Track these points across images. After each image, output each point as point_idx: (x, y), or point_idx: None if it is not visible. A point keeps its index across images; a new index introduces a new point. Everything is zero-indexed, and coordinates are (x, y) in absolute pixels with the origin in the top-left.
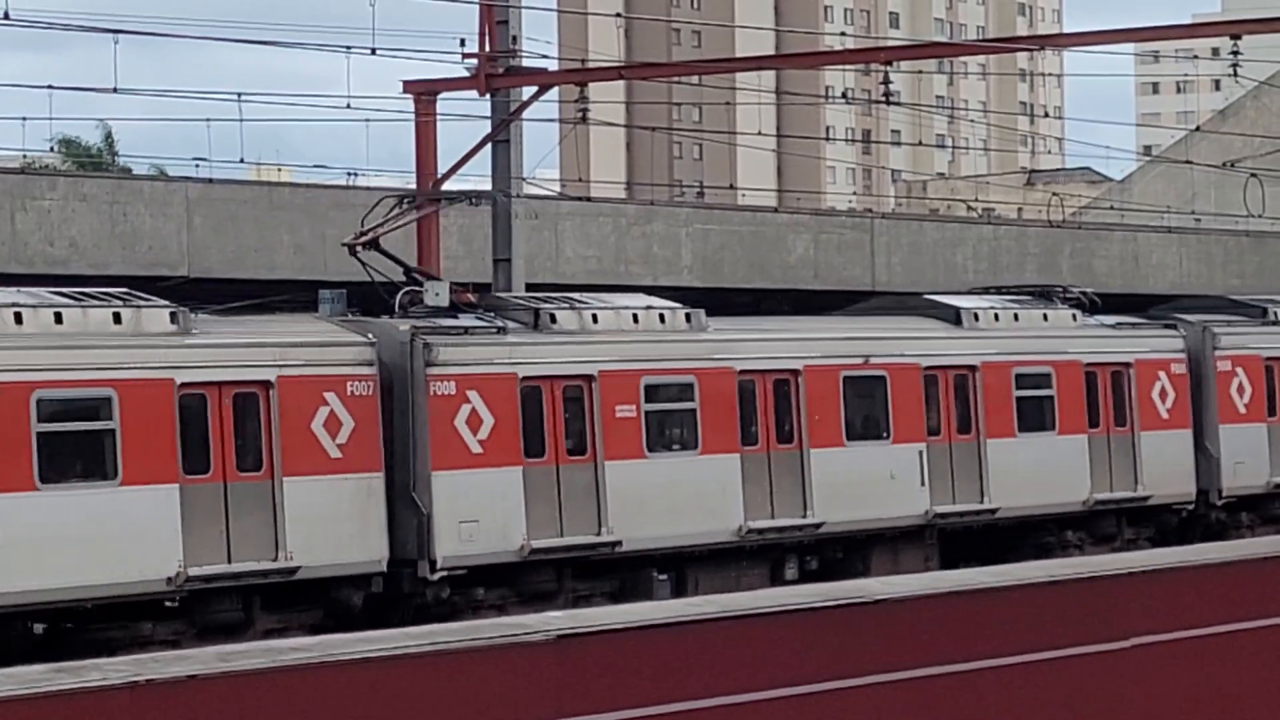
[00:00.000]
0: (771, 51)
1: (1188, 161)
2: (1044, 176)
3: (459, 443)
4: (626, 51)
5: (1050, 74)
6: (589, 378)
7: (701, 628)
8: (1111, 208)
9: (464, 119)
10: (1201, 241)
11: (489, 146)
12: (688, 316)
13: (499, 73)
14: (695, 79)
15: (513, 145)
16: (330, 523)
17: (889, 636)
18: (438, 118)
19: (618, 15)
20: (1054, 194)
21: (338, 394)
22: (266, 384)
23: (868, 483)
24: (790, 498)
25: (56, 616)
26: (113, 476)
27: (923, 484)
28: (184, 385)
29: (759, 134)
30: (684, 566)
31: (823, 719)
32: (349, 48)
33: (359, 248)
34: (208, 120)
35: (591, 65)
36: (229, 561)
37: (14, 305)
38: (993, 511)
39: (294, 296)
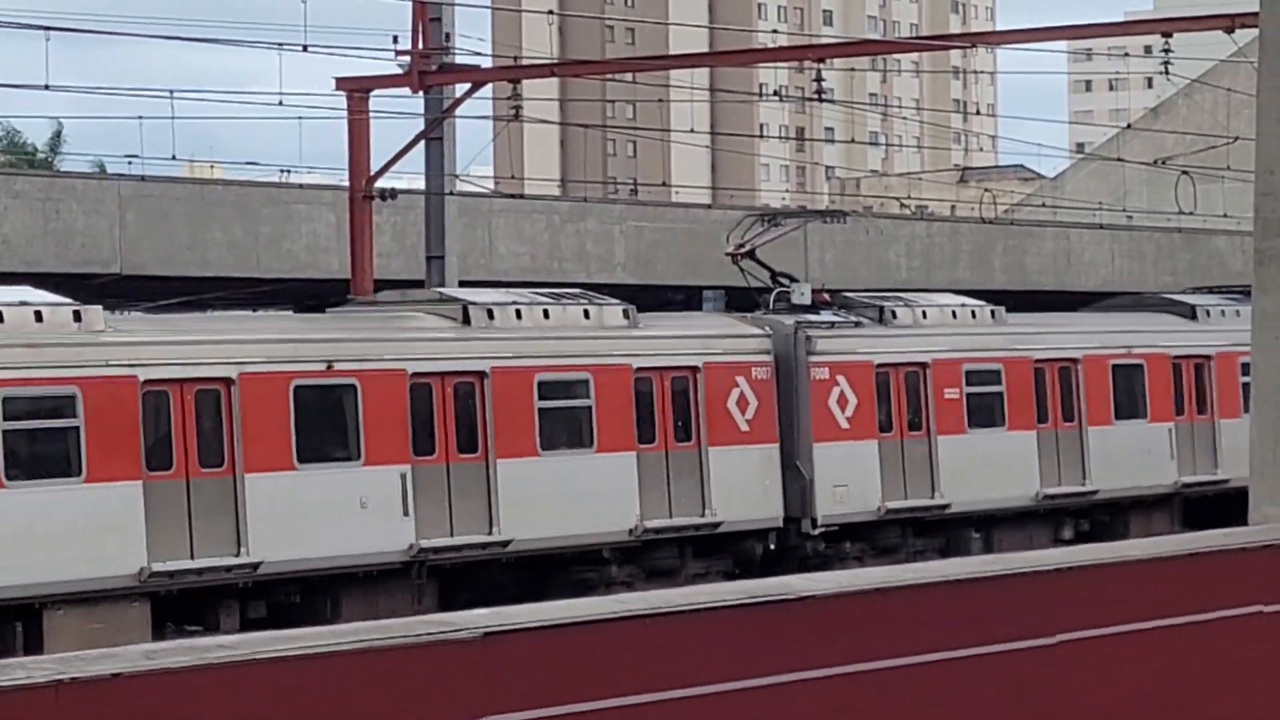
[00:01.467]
0: (705, 49)
1: (1120, 159)
2: (977, 174)
3: (832, 419)
4: (560, 49)
5: (983, 71)
6: (924, 365)
7: (628, 625)
8: (1044, 205)
9: (397, 116)
10: (1133, 239)
11: (422, 143)
12: (992, 313)
13: (432, 70)
14: (629, 76)
15: (446, 142)
16: (742, 485)
17: (815, 634)
18: (371, 115)
19: (550, 13)
20: (987, 191)
21: (745, 378)
22: (694, 369)
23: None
24: (1070, 469)
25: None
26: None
27: (1171, 457)
28: (638, 370)
29: (693, 131)
30: (991, 527)
31: (749, 716)
32: (281, 45)
33: (738, 257)
34: (140, 118)
35: (525, 62)
36: (670, 516)
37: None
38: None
39: (229, 293)
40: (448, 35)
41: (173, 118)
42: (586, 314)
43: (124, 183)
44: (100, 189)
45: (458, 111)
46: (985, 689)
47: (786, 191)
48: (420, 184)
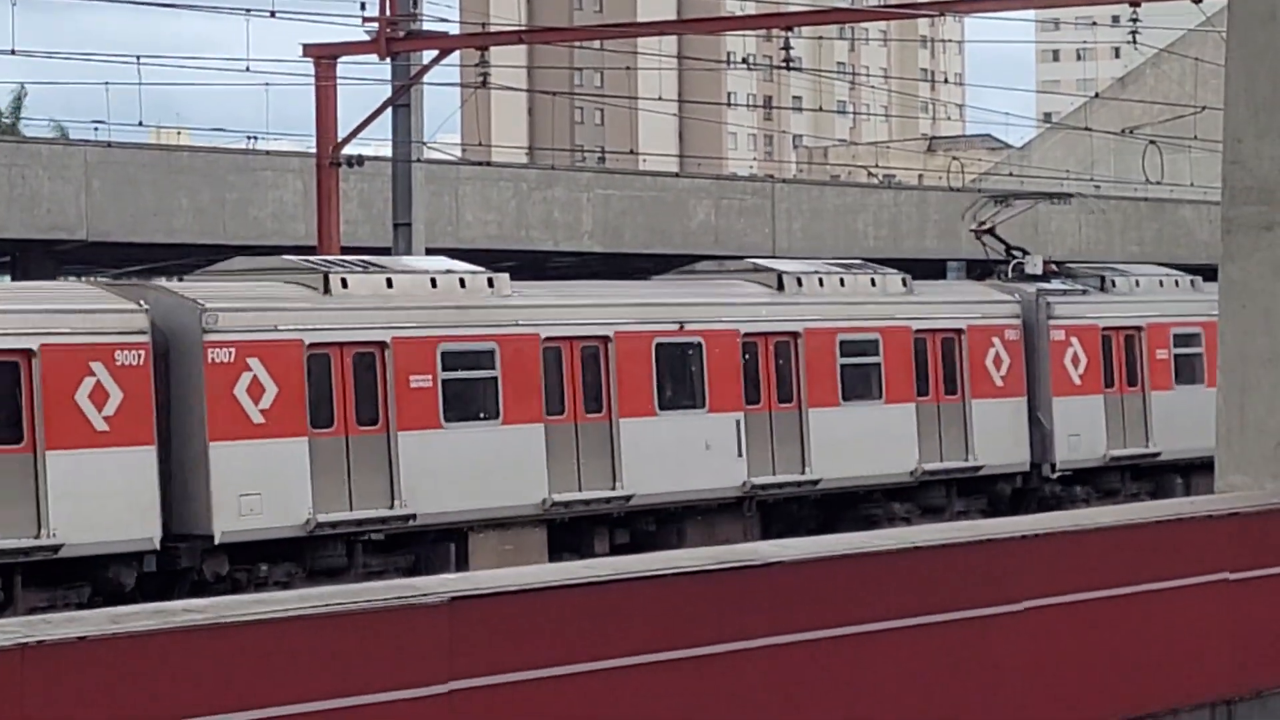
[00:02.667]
0: (673, 16)
1: (1087, 129)
2: (944, 143)
3: (1066, 376)
4: (528, 16)
5: (951, 40)
6: (1139, 328)
7: (594, 590)
8: (1011, 174)
9: (364, 83)
10: (1101, 207)
11: (389, 110)
12: (1191, 282)
13: (399, 36)
14: (597, 44)
15: (413, 109)
16: (997, 434)
17: (781, 599)
18: (338, 81)
19: None
20: (954, 160)
21: (1000, 339)
22: (960, 331)
23: None
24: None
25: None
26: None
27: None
28: (916, 332)
29: (660, 99)
30: (1191, 473)
31: (715, 681)
32: (249, 11)
33: (980, 233)
34: (106, 84)
35: (492, 29)
36: (940, 460)
37: None
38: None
39: (196, 260)
40: (415, 2)
41: (139, 84)
42: (873, 282)
43: (90, 149)
44: (66, 155)
45: (425, 79)
46: (953, 654)
47: (755, 160)
48: (387, 151)
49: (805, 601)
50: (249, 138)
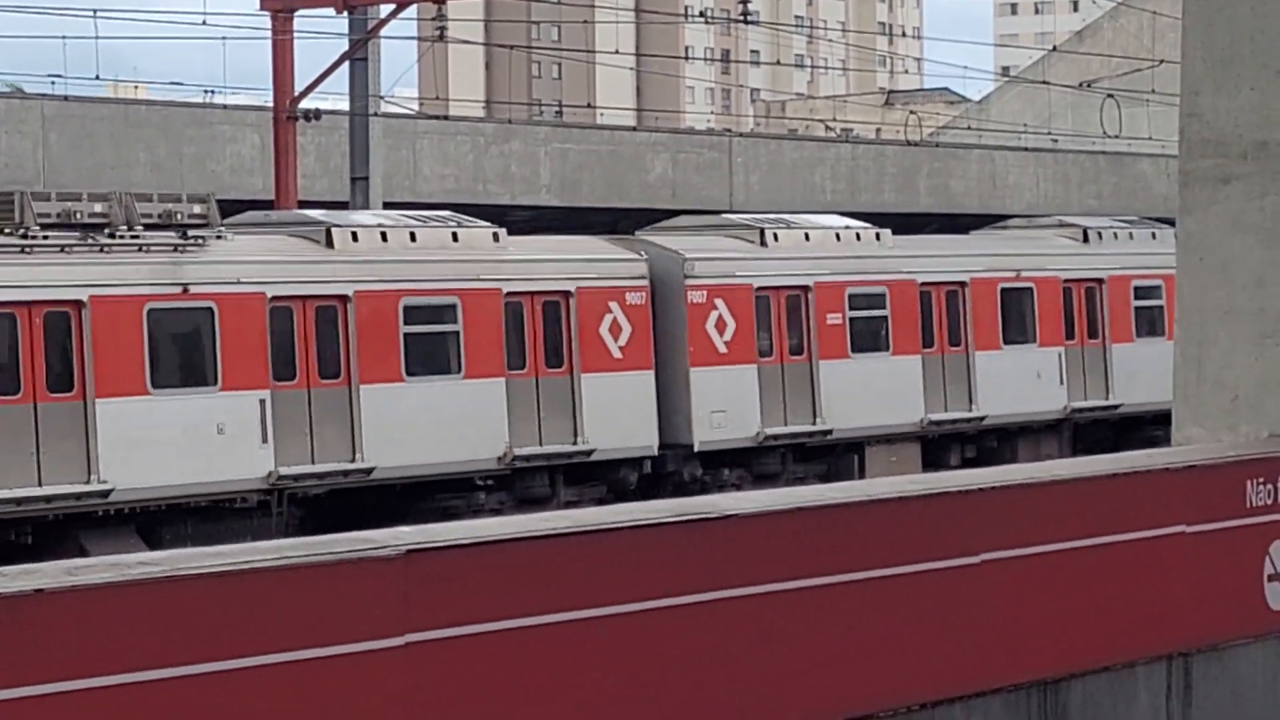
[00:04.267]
0: None
1: (1045, 82)
2: (902, 97)
3: None
4: None
5: None
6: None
7: (552, 543)
8: (969, 128)
9: (321, 37)
10: (1059, 161)
11: (346, 64)
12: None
13: None
14: None
15: (370, 63)
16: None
17: (739, 552)
18: (295, 35)
19: None
20: (912, 114)
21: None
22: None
23: None
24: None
25: None
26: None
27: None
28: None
29: (617, 53)
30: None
31: (673, 634)
32: None
33: None
34: (63, 38)
35: None
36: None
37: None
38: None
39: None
40: None
41: (96, 38)
42: (1154, 235)
43: (47, 103)
44: (23, 109)
45: (382, 32)
46: (909, 607)
47: (712, 114)
48: (344, 105)
49: (762, 555)
50: (206, 92)
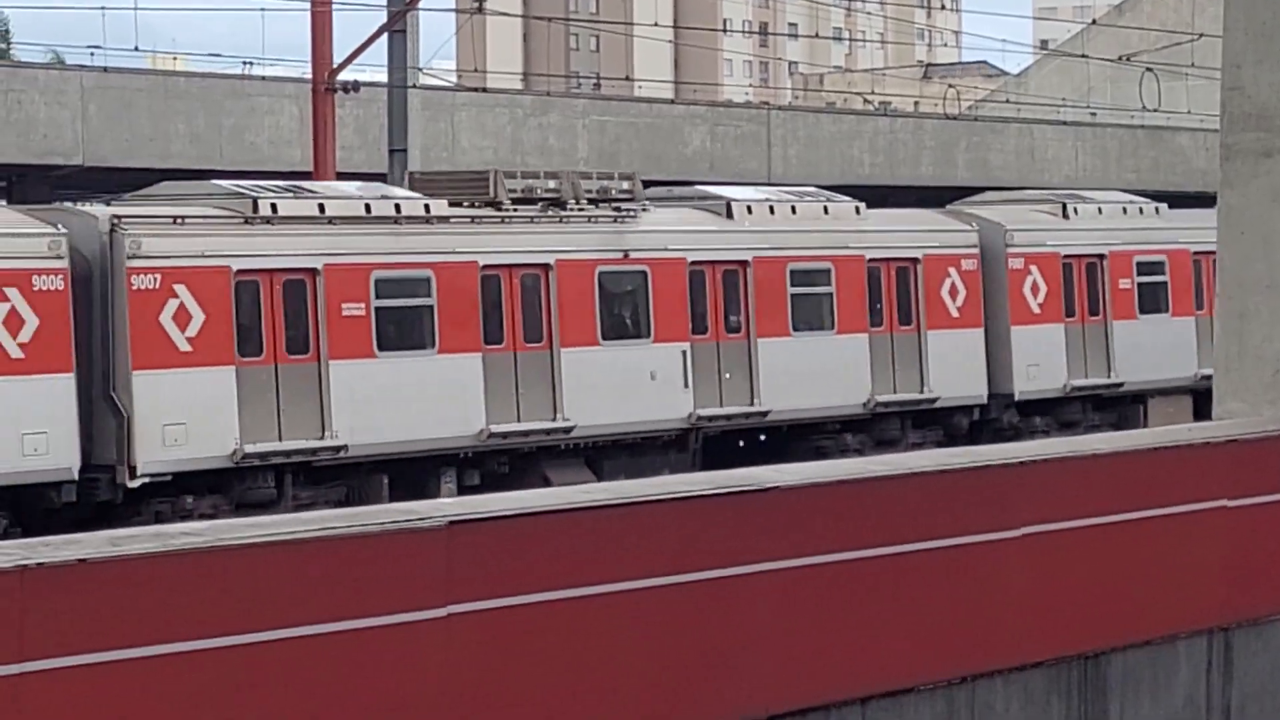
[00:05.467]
0: None
1: (1084, 56)
2: (940, 70)
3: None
4: None
5: None
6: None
7: (592, 515)
8: (1008, 101)
9: (360, 8)
10: (1097, 135)
11: (385, 36)
12: None
13: None
14: None
15: (409, 35)
16: None
17: (780, 524)
18: (334, 7)
19: None
20: (950, 87)
21: None
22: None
23: None
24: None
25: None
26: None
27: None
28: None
29: (656, 25)
30: None
31: (714, 606)
32: None
33: None
34: (103, 9)
35: None
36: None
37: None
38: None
39: None
40: None
41: (135, 9)
42: None
43: (86, 74)
44: (62, 80)
45: (421, 4)
46: (948, 580)
47: (750, 87)
48: (383, 77)
49: (803, 527)
50: (245, 64)
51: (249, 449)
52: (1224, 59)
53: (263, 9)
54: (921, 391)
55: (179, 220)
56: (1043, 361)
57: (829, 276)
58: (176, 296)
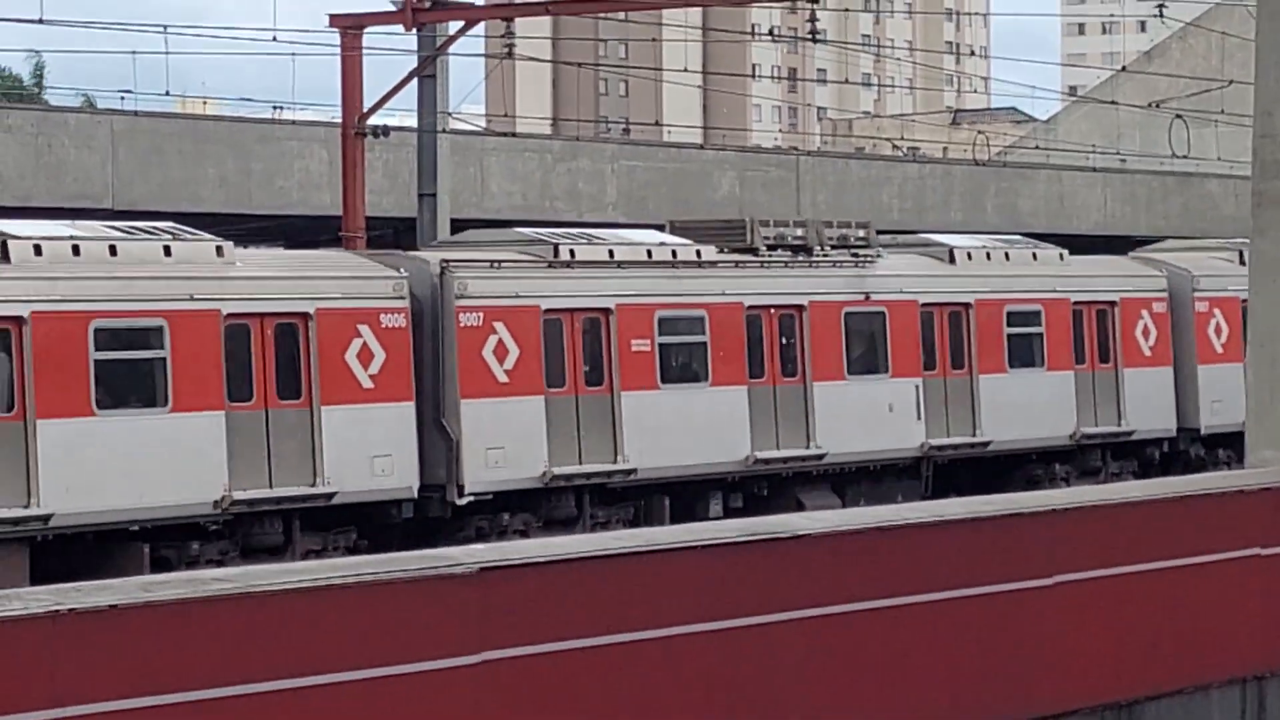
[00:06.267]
0: None
1: (1113, 102)
2: (969, 116)
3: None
4: None
5: (976, 13)
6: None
7: (624, 561)
8: (1037, 147)
9: (390, 53)
10: (1126, 181)
11: (415, 81)
12: None
13: (425, 7)
14: (622, 15)
15: (439, 80)
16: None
17: (812, 571)
18: (364, 52)
19: None
20: (979, 133)
21: None
22: None
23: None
24: None
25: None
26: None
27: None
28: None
29: (685, 71)
30: None
31: (745, 653)
32: None
33: None
34: (134, 53)
35: (518, 0)
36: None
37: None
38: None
39: (222, 229)
40: None
41: (166, 53)
42: None
43: (117, 118)
44: (93, 124)
45: (451, 49)
46: (982, 628)
47: (779, 132)
48: (413, 121)
49: (835, 574)
50: (275, 108)
51: (556, 471)
52: (1256, 106)
53: (293, 54)
54: (1119, 425)
55: (496, 264)
56: (1225, 397)
57: (1040, 318)
58: (496, 333)
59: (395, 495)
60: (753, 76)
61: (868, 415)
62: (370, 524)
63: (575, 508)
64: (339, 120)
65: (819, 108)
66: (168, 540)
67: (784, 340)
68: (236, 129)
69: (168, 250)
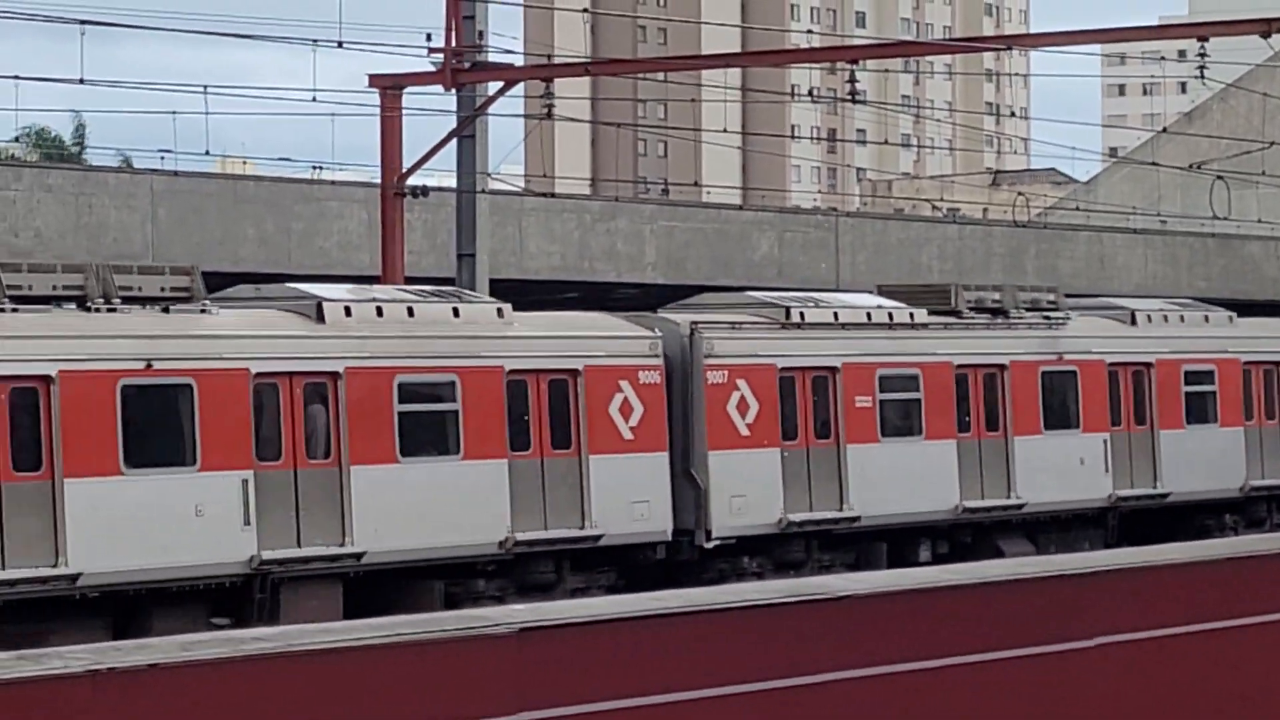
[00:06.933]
0: (738, 49)
1: (1154, 163)
2: (1009, 177)
3: None
4: (592, 47)
5: (1016, 74)
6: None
7: (665, 622)
8: (1077, 208)
9: (430, 113)
10: (1167, 243)
11: (454, 141)
12: None
13: (465, 67)
14: (661, 76)
15: (478, 140)
16: None
17: (853, 633)
18: (403, 112)
19: (584, 11)
20: (1019, 194)
21: None
22: None
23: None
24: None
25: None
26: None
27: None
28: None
29: (724, 131)
30: None
31: (784, 715)
32: (316, 41)
33: None
34: (174, 113)
35: (557, 61)
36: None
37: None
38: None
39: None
40: (481, 33)
41: (206, 113)
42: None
43: (156, 177)
44: (133, 183)
45: (490, 109)
46: (1021, 691)
47: (819, 193)
48: (452, 181)
49: (876, 635)
50: (314, 168)
51: (790, 518)
52: None
53: (333, 114)
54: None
55: (736, 325)
56: None
57: (1213, 377)
58: (738, 389)
59: (652, 538)
60: (792, 137)
61: (1062, 468)
62: (627, 565)
63: (805, 552)
64: (378, 180)
65: (858, 168)
66: (455, 578)
67: (988, 398)
68: (276, 189)
69: (456, 312)
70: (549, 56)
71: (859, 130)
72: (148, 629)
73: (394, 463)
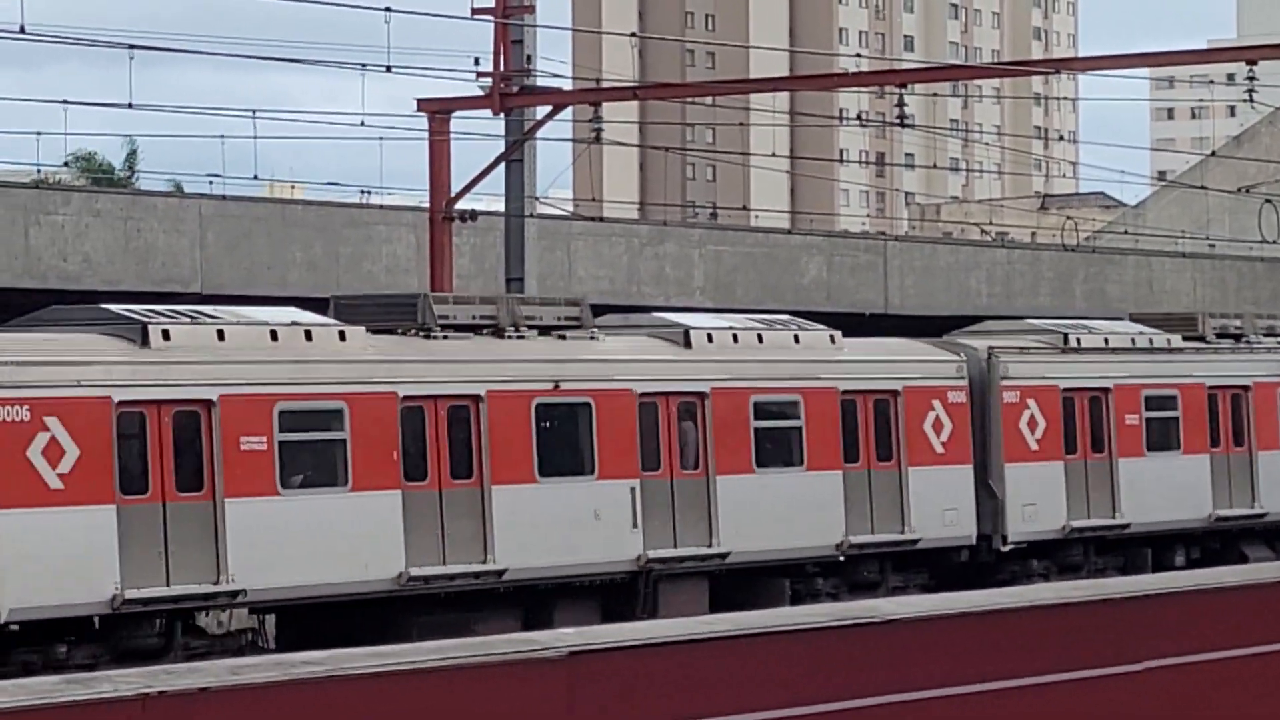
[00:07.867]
0: (786, 73)
1: (1202, 187)
2: (1058, 201)
3: None
4: (640, 71)
5: (1065, 98)
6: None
7: (714, 646)
8: (1126, 232)
9: (478, 138)
10: (1216, 267)
11: (502, 165)
12: None
13: (513, 92)
14: (709, 100)
15: (526, 164)
16: None
17: (900, 657)
18: (452, 136)
19: (632, 35)
20: (1068, 218)
21: None
22: None
23: None
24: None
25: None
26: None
27: None
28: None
29: (773, 155)
30: None
31: None
32: (364, 65)
33: None
34: (222, 137)
35: (605, 85)
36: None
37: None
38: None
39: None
40: (529, 57)
41: (255, 137)
42: None
43: (205, 202)
44: (181, 208)
45: (538, 133)
46: (1070, 715)
47: (867, 217)
48: (500, 206)
49: (925, 659)
50: (363, 192)
51: (1073, 524)
52: None
53: (381, 138)
54: None
55: (1025, 350)
56: None
57: None
58: (1029, 408)
59: (959, 542)
60: (840, 161)
61: (1164, 486)
62: (939, 567)
63: (1083, 555)
64: (426, 204)
65: (906, 192)
66: (797, 576)
67: (1235, 416)
68: (324, 213)
69: (797, 339)
70: (597, 80)
71: (907, 154)
72: (551, 621)
73: (751, 473)
